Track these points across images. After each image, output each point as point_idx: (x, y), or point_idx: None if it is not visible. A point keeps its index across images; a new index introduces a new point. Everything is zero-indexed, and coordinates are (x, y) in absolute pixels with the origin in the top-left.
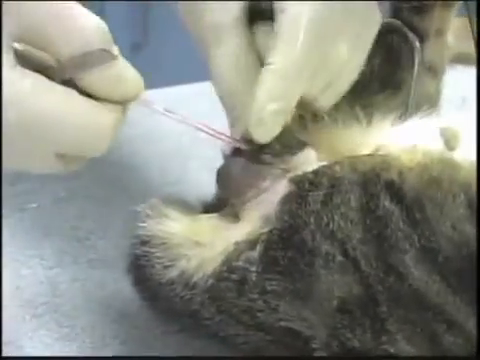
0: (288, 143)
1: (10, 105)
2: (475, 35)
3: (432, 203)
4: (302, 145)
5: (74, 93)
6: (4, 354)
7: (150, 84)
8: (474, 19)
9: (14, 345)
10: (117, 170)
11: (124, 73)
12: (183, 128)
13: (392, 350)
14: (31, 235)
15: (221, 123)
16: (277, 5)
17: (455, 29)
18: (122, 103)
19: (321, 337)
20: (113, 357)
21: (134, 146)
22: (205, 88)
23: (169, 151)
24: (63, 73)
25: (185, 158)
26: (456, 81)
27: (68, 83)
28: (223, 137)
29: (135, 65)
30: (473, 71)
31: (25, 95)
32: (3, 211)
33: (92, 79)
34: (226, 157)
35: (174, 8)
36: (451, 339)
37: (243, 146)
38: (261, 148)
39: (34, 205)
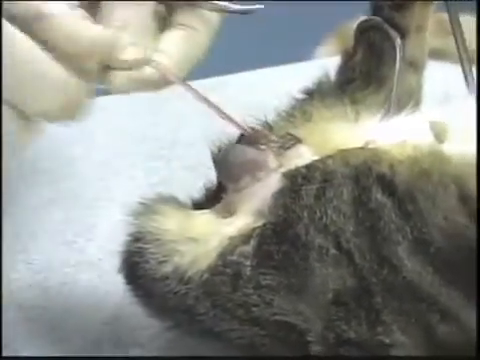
0: (282, 138)
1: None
2: (455, 34)
3: (423, 195)
4: (295, 140)
5: None
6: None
7: None
8: (454, 17)
9: (9, 349)
10: (101, 172)
11: None
12: (164, 131)
13: (387, 341)
14: (17, 239)
15: None
16: None
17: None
18: None
19: (317, 330)
20: (110, 357)
21: (119, 148)
22: None
23: (151, 153)
24: None
25: (167, 159)
26: (434, 76)
27: None
28: (225, 117)
29: None
30: (449, 66)
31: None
32: None
33: None
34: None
35: None
36: (445, 329)
37: (246, 131)
38: (259, 137)
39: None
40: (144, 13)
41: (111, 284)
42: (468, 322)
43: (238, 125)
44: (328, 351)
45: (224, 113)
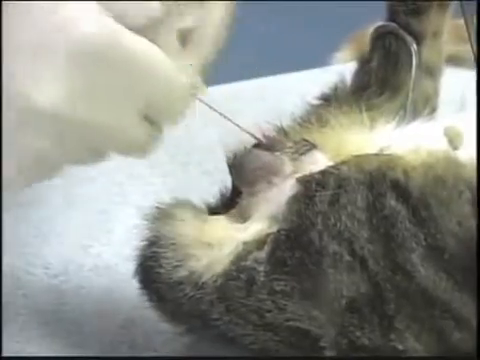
0: (297, 144)
1: (106, 46)
2: (470, 36)
3: (437, 201)
4: (310, 146)
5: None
6: None
7: None
8: (470, 20)
9: (25, 353)
10: (118, 177)
11: None
12: (181, 136)
13: (400, 347)
14: (34, 244)
15: None
16: None
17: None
18: None
19: (330, 336)
20: (111, 357)
21: None
22: None
23: (168, 157)
24: None
25: (184, 164)
26: (451, 82)
27: None
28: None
29: None
30: (466, 73)
31: (122, 34)
32: (6, 220)
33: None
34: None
35: None
36: (458, 335)
37: (260, 139)
38: (275, 144)
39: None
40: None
41: (127, 288)
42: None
43: (252, 134)
44: (341, 357)
45: (237, 124)
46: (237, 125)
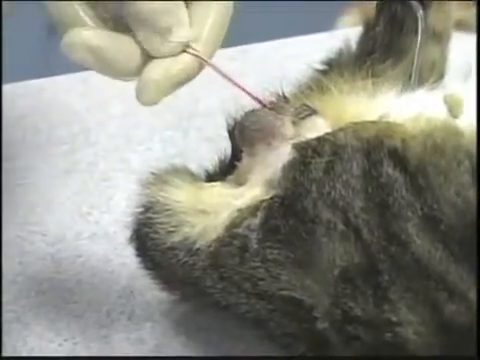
0: (298, 108)
1: None
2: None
3: (436, 170)
4: (310, 111)
5: None
6: (11, 331)
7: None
8: None
9: (20, 322)
10: (118, 143)
11: None
12: (183, 102)
13: (394, 318)
14: (32, 211)
15: None
16: None
17: None
18: None
19: (323, 306)
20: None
21: (137, 118)
22: None
23: (169, 124)
24: None
25: (185, 131)
26: (462, 48)
27: None
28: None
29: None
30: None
31: None
32: (4, 187)
33: None
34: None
35: None
36: (453, 307)
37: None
38: (277, 109)
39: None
40: None
41: (125, 257)
42: (476, 301)
43: (260, 101)
44: (335, 328)
45: (247, 91)
46: (241, 87)
